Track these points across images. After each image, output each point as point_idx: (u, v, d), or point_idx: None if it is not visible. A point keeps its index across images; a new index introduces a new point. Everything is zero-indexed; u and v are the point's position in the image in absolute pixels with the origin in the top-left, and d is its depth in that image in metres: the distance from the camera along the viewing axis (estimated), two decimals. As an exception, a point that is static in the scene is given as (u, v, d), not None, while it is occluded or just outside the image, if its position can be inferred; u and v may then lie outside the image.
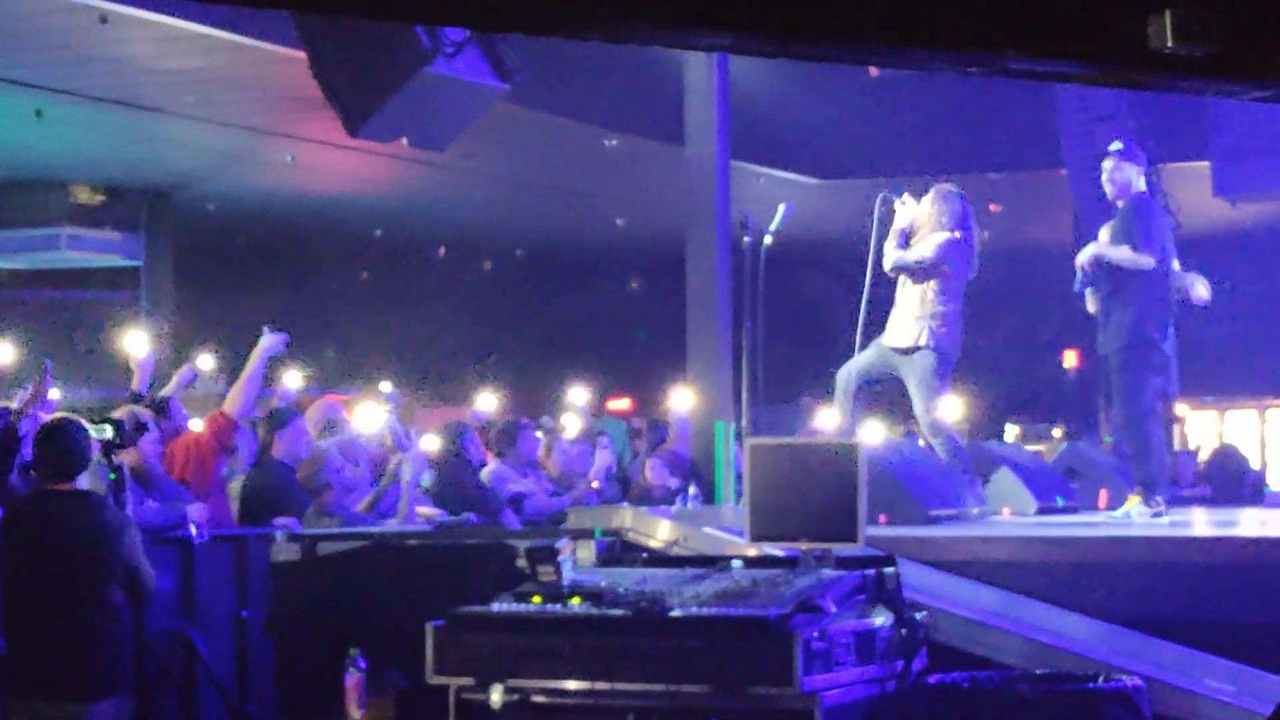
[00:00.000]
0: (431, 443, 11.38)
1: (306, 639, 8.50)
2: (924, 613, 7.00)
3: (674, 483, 12.46)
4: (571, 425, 14.56)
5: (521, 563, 7.21)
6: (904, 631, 6.76)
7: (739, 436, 10.39)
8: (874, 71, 15.84)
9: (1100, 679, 6.72)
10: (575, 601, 6.70)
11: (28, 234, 18.84)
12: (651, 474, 13.06)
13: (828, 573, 6.87)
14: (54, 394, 9.55)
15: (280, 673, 8.67)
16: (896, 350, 10.26)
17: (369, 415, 11.90)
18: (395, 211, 20.83)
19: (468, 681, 6.65)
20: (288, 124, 16.18)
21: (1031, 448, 15.26)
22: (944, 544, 8.40)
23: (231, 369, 10.47)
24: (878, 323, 10.37)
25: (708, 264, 12.93)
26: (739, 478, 8.86)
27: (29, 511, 7.53)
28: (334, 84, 10.71)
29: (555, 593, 6.76)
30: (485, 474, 11.89)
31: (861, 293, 10.23)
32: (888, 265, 10.27)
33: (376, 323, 22.18)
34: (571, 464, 12.96)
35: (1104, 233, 10.30)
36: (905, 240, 10.29)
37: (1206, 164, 17.46)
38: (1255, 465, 17.57)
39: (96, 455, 7.63)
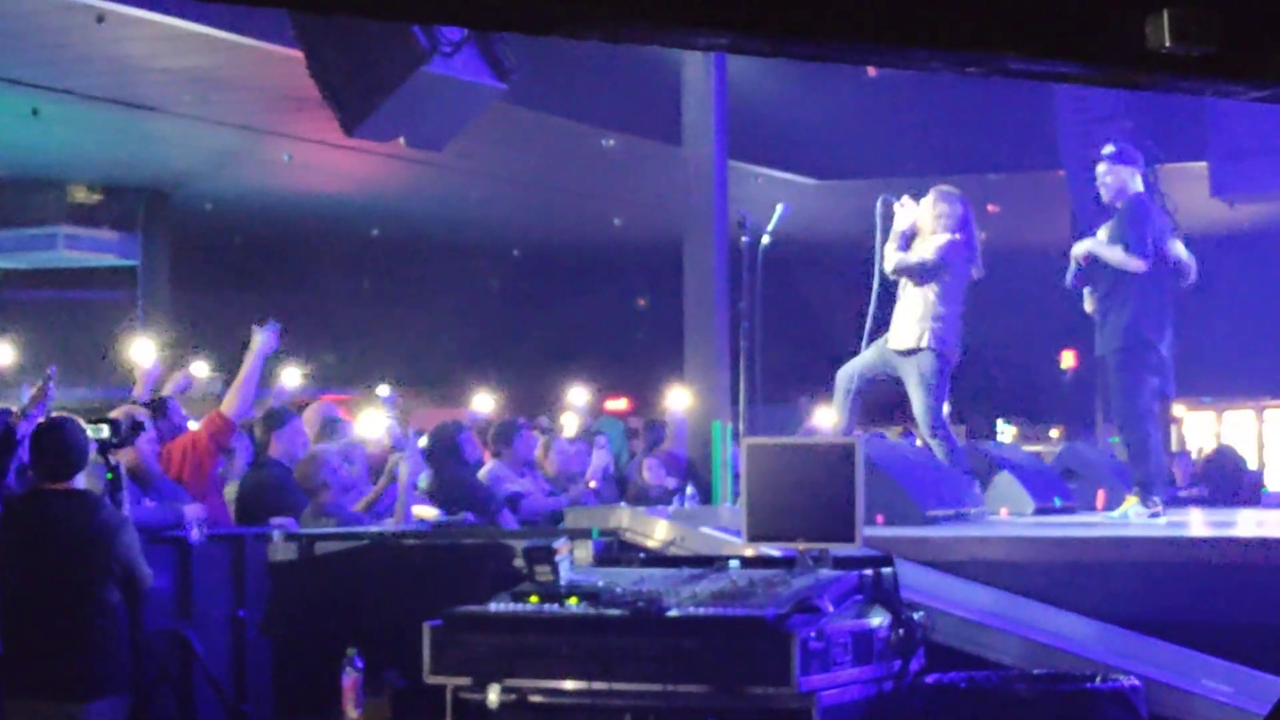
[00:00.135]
0: (427, 442, 11.37)
1: (303, 638, 8.50)
2: (921, 613, 6.99)
3: (671, 483, 12.47)
4: (571, 424, 14.56)
5: (519, 562, 7.20)
6: (901, 631, 6.75)
7: (736, 436, 10.39)
8: (872, 71, 15.84)
9: (1097, 679, 6.72)
10: (572, 601, 6.69)
11: (25, 233, 18.83)
12: (649, 474, 13.06)
13: (825, 573, 6.86)
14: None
15: (277, 672, 8.67)
16: (898, 352, 10.27)
17: (372, 421, 11.91)
18: (392, 211, 20.83)
19: (465, 681, 6.64)
20: (285, 123, 16.17)
21: (1029, 448, 15.27)
22: (941, 544, 8.40)
23: (229, 369, 10.46)
24: (885, 325, 10.38)
25: (705, 264, 12.93)
26: (736, 478, 8.86)
27: (26, 511, 7.53)
28: (331, 83, 10.70)
29: (552, 593, 6.75)
30: (482, 474, 11.89)
31: (865, 295, 10.23)
32: (888, 267, 10.27)
33: (374, 323, 22.18)
34: (569, 464, 12.97)
35: (1102, 232, 10.31)
36: (906, 243, 10.30)
37: (1204, 164, 17.47)
38: (1252, 466, 17.59)
39: (93, 455, 7.63)
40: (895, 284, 10.39)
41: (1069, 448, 13.34)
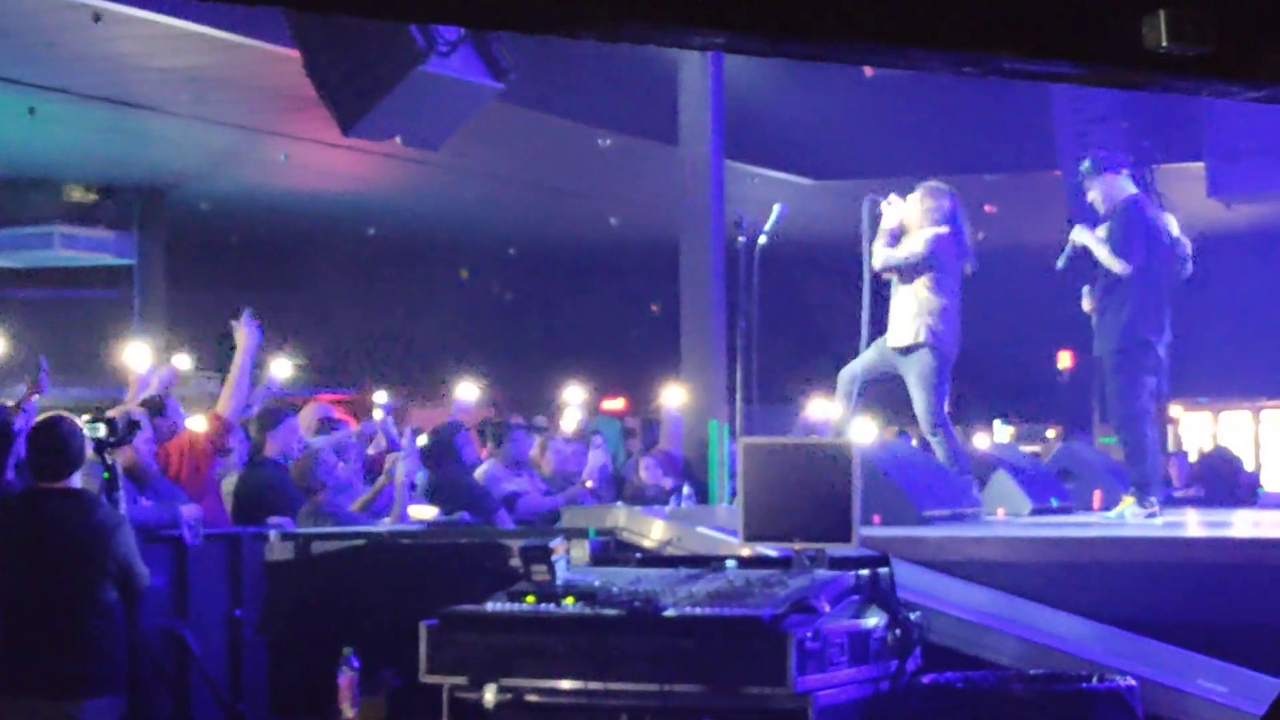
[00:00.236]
0: (424, 442, 11.38)
1: (300, 638, 8.50)
2: (918, 613, 6.99)
3: (668, 482, 12.47)
4: (570, 422, 14.56)
5: (515, 562, 7.20)
6: (898, 632, 6.75)
7: (733, 436, 10.39)
8: (869, 71, 15.84)
9: (1094, 679, 6.72)
10: (569, 601, 6.69)
11: (20, 232, 18.81)
12: (645, 473, 13.06)
13: (821, 573, 6.86)
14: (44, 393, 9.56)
15: (273, 671, 8.67)
16: (897, 349, 10.27)
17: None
18: (389, 210, 20.82)
19: (461, 681, 6.64)
20: (281, 122, 16.16)
21: (1026, 448, 15.28)
22: (938, 544, 8.40)
23: (226, 368, 10.44)
24: (881, 325, 10.38)
25: (702, 264, 12.94)
26: (733, 477, 8.86)
27: (23, 509, 7.52)
28: (328, 82, 10.70)
29: (549, 592, 6.75)
30: (479, 474, 11.89)
31: (858, 296, 10.23)
32: (877, 264, 10.27)
33: (370, 322, 22.17)
34: (565, 463, 12.97)
35: (1102, 230, 10.34)
36: (894, 239, 10.29)
37: (1201, 165, 17.47)
38: (1248, 466, 17.59)
39: (90, 454, 7.63)
40: (889, 283, 10.39)
41: (1066, 448, 13.35)
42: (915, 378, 10.22)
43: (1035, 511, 10.70)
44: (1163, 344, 10.20)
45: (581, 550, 7.70)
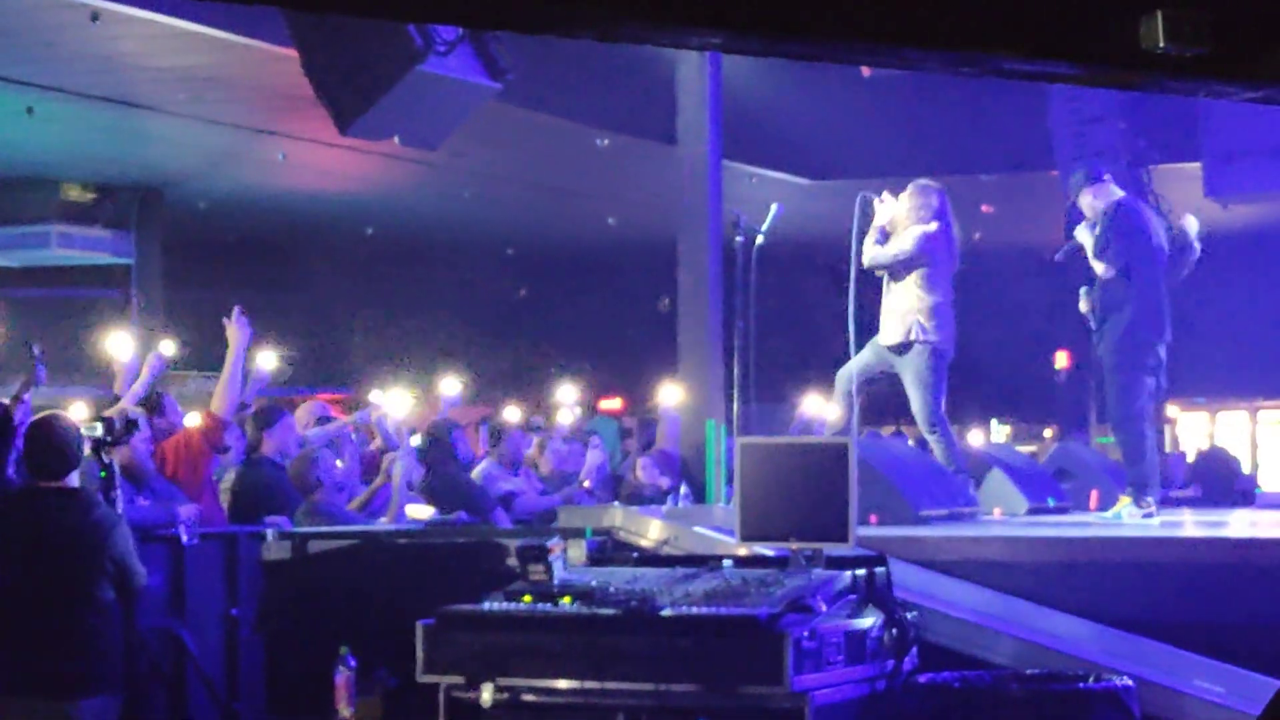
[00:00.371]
0: (419, 442, 11.38)
1: (296, 637, 8.50)
2: (915, 612, 6.99)
3: (665, 482, 12.47)
4: (566, 420, 14.56)
5: (512, 561, 7.21)
6: (894, 631, 6.76)
7: (730, 435, 10.39)
8: (866, 71, 15.85)
9: (1090, 679, 6.73)
10: (566, 600, 6.69)
11: (17, 231, 18.81)
12: (642, 473, 13.06)
13: (818, 572, 6.87)
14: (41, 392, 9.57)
15: (270, 671, 8.67)
16: (890, 348, 10.27)
17: (397, 401, 11.93)
18: (387, 210, 20.82)
19: (458, 680, 6.64)
20: (279, 122, 16.16)
21: (1022, 448, 15.28)
22: (935, 544, 8.41)
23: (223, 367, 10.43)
24: (867, 323, 10.37)
25: (699, 264, 12.93)
26: (730, 477, 8.86)
27: (19, 508, 7.52)
28: (325, 82, 10.70)
29: (546, 592, 6.76)
30: (476, 473, 11.90)
31: (858, 295, 10.23)
32: (867, 262, 10.27)
33: (368, 321, 22.17)
34: (563, 463, 12.97)
35: (1088, 234, 10.38)
36: (885, 237, 10.30)
37: (1198, 165, 17.48)
38: (1246, 467, 17.59)
39: (87, 453, 7.63)
40: (880, 281, 10.38)
41: (1062, 448, 13.35)
42: (911, 376, 10.22)
43: (1032, 511, 10.71)
44: (1163, 344, 10.21)
45: (578, 550, 7.70)
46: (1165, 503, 10.89)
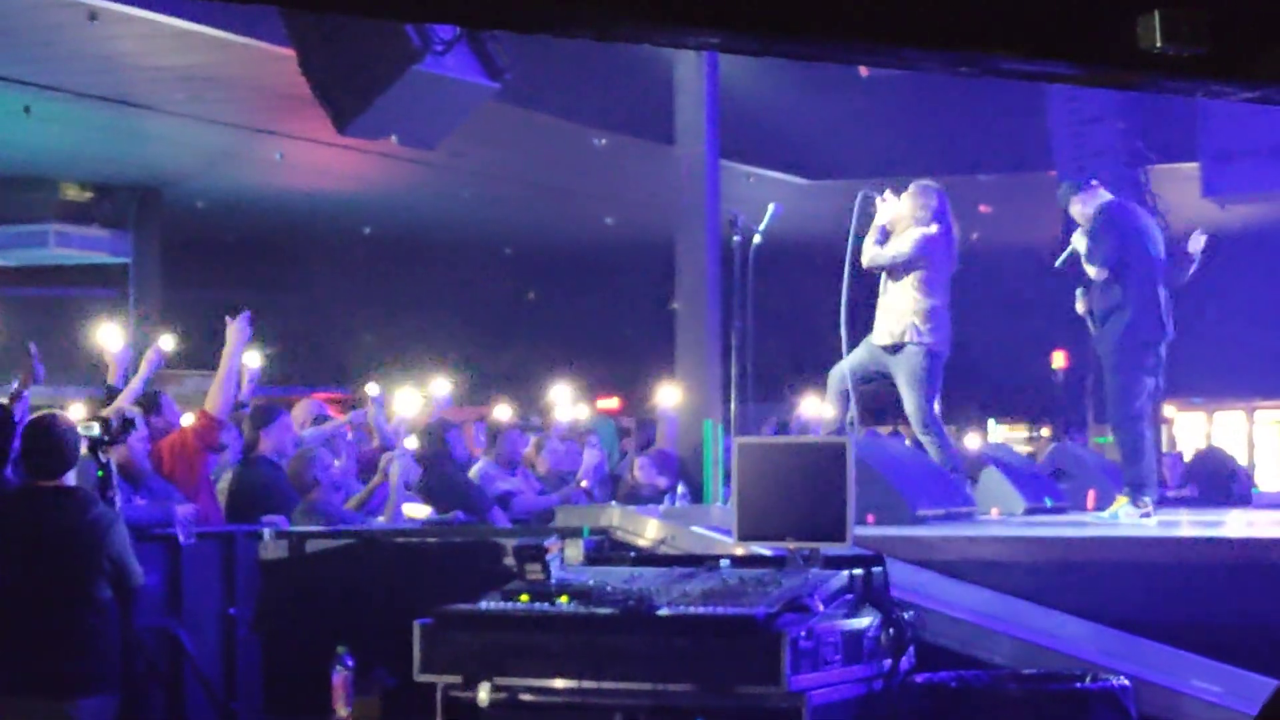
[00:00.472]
0: (415, 442, 11.37)
1: (294, 636, 8.50)
2: (912, 612, 6.99)
3: (662, 481, 12.47)
4: (564, 419, 14.55)
5: (509, 561, 7.20)
6: (892, 631, 6.75)
7: (728, 435, 10.39)
8: (864, 71, 15.85)
9: (1087, 679, 6.72)
10: (563, 600, 6.69)
11: (15, 231, 18.82)
12: (640, 473, 13.06)
13: (815, 572, 6.86)
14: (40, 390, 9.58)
15: (267, 670, 8.66)
16: (883, 348, 10.27)
17: (408, 400, 11.91)
18: (384, 209, 20.83)
19: (455, 679, 6.64)
20: (277, 121, 16.17)
21: (1019, 448, 15.29)
22: (932, 544, 8.41)
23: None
24: (861, 321, 10.37)
25: (697, 263, 12.95)
26: (727, 476, 8.86)
27: (17, 508, 7.52)
28: (323, 81, 10.70)
29: (543, 591, 6.75)
30: (473, 472, 11.89)
31: (855, 294, 10.23)
32: (866, 261, 10.27)
33: (365, 321, 22.18)
34: (560, 463, 12.96)
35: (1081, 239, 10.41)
36: (884, 237, 10.29)
37: (1195, 165, 17.49)
38: (1242, 466, 17.60)
39: (84, 452, 7.62)
40: (873, 280, 10.38)
41: (1060, 448, 13.36)
42: (904, 377, 10.22)
43: (1029, 511, 10.71)
44: (1164, 343, 10.21)
45: (576, 549, 7.69)
46: (1162, 503, 10.90)
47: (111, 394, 10.23)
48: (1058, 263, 10.47)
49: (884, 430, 15.40)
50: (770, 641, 6.25)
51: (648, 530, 8.28)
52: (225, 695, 8.49)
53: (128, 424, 8.39)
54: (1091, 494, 11.26)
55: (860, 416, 10.43)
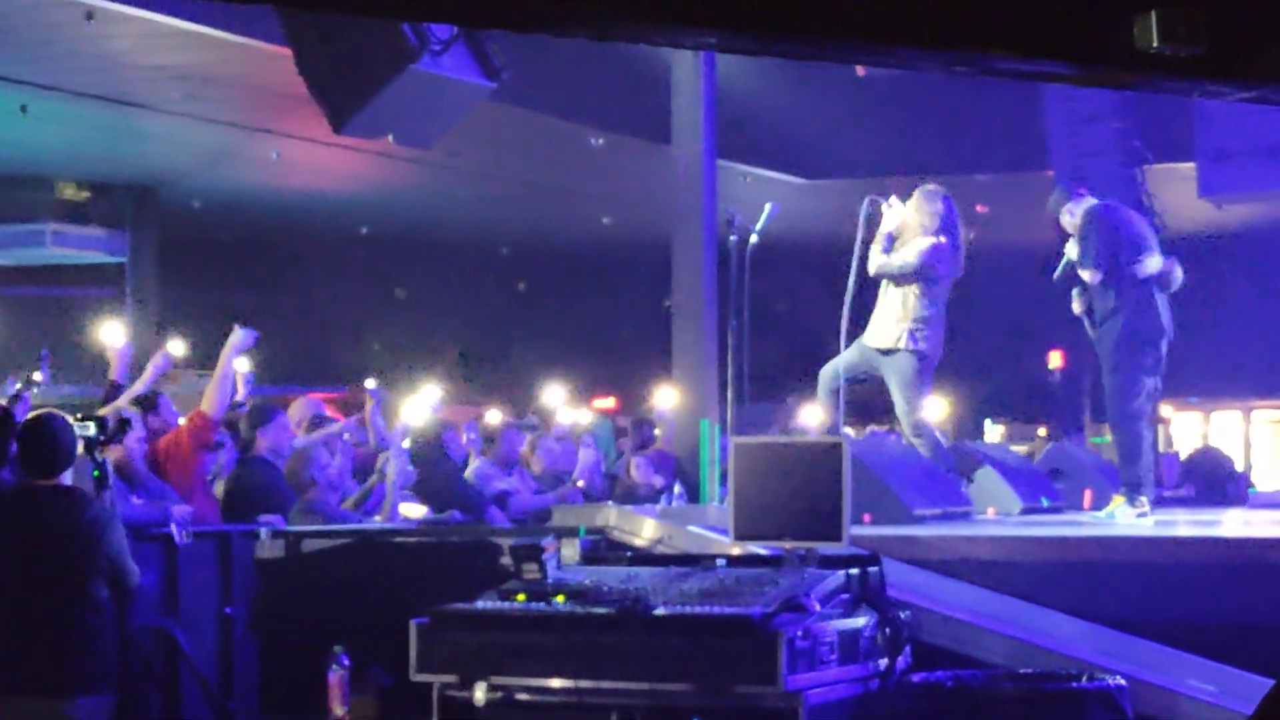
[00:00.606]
0: (410, 443, 11.36)
1: (290, 636, 8.50)
2: (908, 612, 7.00)
3: (659, 481, 12.47)
4: (567, 422, 14.55)
5: (506, 560, 7.20)
6: (888, 630, 6.76)
7: (724, 434, 10.39)
8: (861, 71, 15.85)
9: (1083, 678, 6.73)
10: (559, 599, 6.69)
11: (12, 230, 18.83)
12: (637, 472, 13.07)
13: (812, 572, 6.87)
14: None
15: (264, 669, 8.66)
16: (877, 350, 10.27)
17: (418, 407, 11.87)
18: (381, 209, 20.83)
19: (451, 679, 6.64)
20: (273, 120, 16.17)
21: (1016, 448, 15.28)
22: (928, 543, 8.41)
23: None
24: (862, 323, 10.39)
25: (693, 263, 12.94)
26: (724, 476, 8.86)
27: (14, 507, 7.52)
28: (320, 81, 10.69)
29: (540, 590, 6.75)
30: (469, 472, 11.89)
31: (844, 294, 10.23)
32: (872, 269, 10.27)
33: (362, 320, 22.17)
34: (555, 462, 12.96)
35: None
36: (890, 243, 10.29)
37: (1192, 165, 17.50)
38: (1239, 466, 17.61)
39: (80, 451, 7.62)
40: (877, 282, 10.39)
41: (1056, 447, 13.36)
42: (896, 380, 10.23)
43: (1025, 511, 10.71)
44: (1164, 340, 10.20)
45: (572, 549, 7.68)
46: (1159, 503, 10.89)
47: (113, 390, 10.26)
48: (1055, 275, 10.46)
49: (881, 428, 15.39)
50: (767, 641, 6.25)
51: (644, 530, 8.28)
52: (222, 694, 8.49)
53: (124, 424, 8.39)
54: (1088, 494, 11.26)
55: (845, 416, 10.44)
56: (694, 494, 11.28)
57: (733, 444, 7.50)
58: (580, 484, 12.29)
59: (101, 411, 8.62)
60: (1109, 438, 11.23)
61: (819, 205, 18.09)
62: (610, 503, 10.10)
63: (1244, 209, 18.41)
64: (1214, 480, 14.30)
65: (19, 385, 9.20)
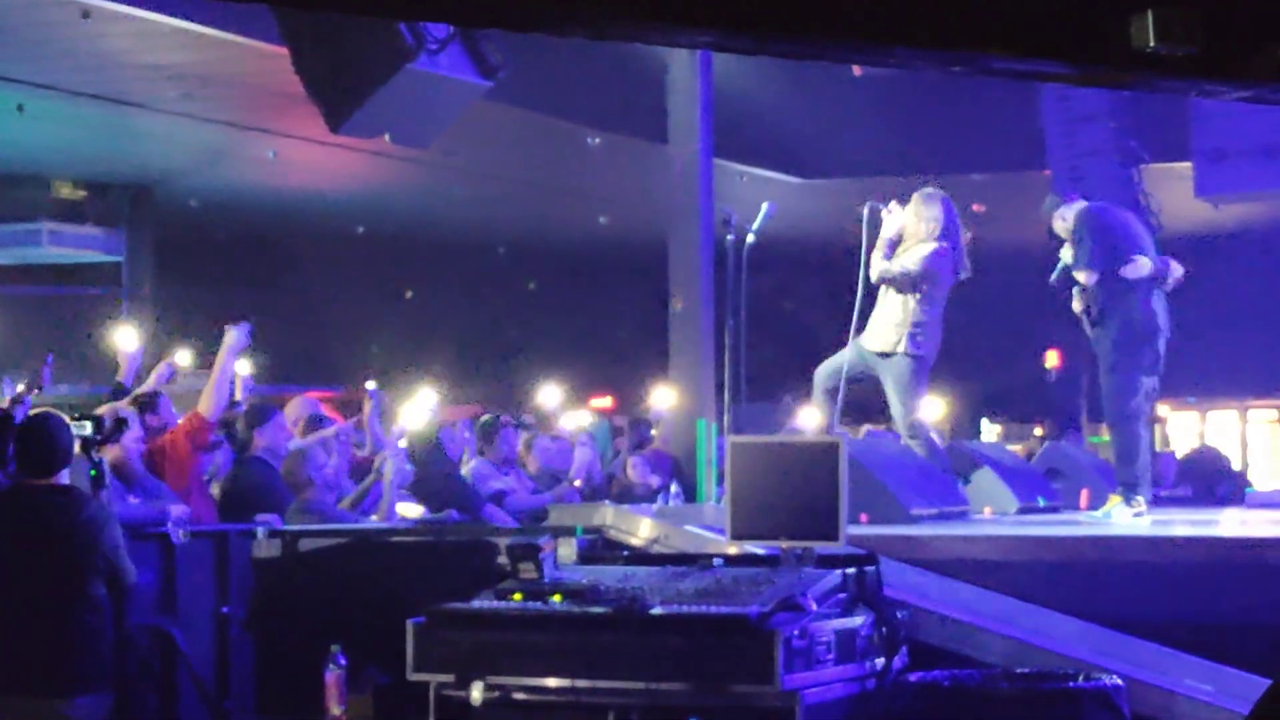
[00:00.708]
0: (407, 442, 11.35)
1: (287, 635, 8.49)
2: (905, 611, 7.00)
3: (655, 480, 12.46)
4: (569, 423, 14.54)
5: (503, 560, 7.20)
6: (885, 630, 6.76)
7: (721, 434, 10.39)
8: (858, 70, 15.85)
9: (1080, 678, 6.73)
10: (556, 599, 6.69)
11: (9, 229, 18.81)
12: (633, 472, 13.06)
13: (809, 571, 6.87)
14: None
15: (260, 668, 8.66)
16: (875, 353, 10.28)
17: (416, 411, 11.85)
18: (377, 208, 20.81)
19: (448, 678, 6.64)
20: (270, 119, 16.15)
21: (1012, 447, 15.29)
22: (925, 543, 8.41)
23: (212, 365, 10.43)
24: (863, 323, 10.40)
25: (690, 262, 12.93)
26: (721, 476, 8.86)
27: (10, 505, 7.51)
28: (316, 80, 10.68)
29: (536, 590, 6.75)
30: (466, 471, 11.88)
31: (849, 294, 10.25)
32: (874, 276, 10.28)
33: (358, 319, 22.16)
34: (550, 461, 12.95)
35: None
36: (891, 249, 10.29)
37: (1188, 165, 17.49)
38: (1236, 466, 17.61)
39: (76, 451, 7.62)
40: (878, 285, 10.40)
41: (1053, 447, 13.36)
42: (892, 382, 10.24)
43: (1022, 510, 10.72)
44: (1162, 338, 10.20)
45: (569, 548, 7.70)
46: (1156, 502, 10.90)
47: (119, 393, 10.28)
48: (1051, 279, 10.46)
49: (878, 428, 15.40)
50: (763, 640, 6.25)
51: (641, 529, 8.28)
52: (218, 693, 8.49)
53: (120, 424, 8.39)
54: (1085, 493, 11.27)
55: (841, 416, 10.45)
56: (691, 493, 11.27)
57: (729, 443, 7.50)
58: (577, 483, 12.28)
59: (97, 411, 8.62)
60: (1107, 437, 11.24)
61: (816, 205, 18.09)
62: (607, 502, 10.10)
63: (1241, 209, 18.40)
64: (1211, 480, 14.30)
65: (20, 388, 9.20)
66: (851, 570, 6.87)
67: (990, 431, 22.30)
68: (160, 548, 8.50)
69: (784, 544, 7.09)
